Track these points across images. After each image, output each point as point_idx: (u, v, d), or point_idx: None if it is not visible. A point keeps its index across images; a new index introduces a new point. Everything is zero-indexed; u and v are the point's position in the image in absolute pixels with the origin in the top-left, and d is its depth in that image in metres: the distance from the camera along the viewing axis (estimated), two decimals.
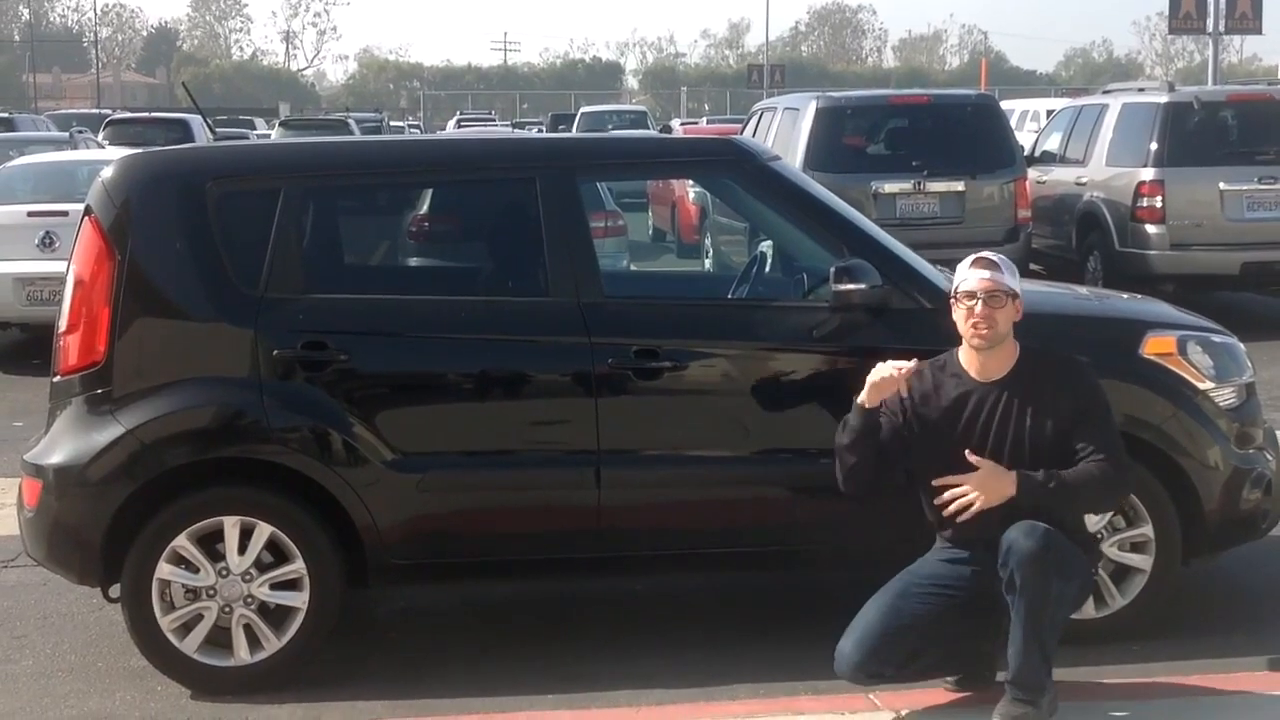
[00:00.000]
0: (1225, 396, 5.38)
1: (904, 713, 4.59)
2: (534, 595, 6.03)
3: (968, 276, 4.61)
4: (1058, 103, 23.17)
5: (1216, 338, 5.53)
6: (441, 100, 79.15)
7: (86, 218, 5.17)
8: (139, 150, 5.93)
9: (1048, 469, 4.48)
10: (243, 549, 4.97)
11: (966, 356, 4.67)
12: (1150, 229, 12.58)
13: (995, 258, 4.66)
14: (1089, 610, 5.18)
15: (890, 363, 4.62)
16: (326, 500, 5.01)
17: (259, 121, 41.54)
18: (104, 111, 37.40)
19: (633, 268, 12.56)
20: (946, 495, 4.51)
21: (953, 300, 4.66)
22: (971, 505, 4.47)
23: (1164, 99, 13.02)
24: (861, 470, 4.68)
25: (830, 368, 5.20)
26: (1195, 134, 12.86)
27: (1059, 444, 4.53)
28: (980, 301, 4.55)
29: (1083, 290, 6.95)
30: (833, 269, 5.13)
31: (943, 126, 13.50)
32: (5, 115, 30.09)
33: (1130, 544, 5.24)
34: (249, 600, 4.98)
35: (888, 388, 4.60)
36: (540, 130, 39.88)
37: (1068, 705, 4.51)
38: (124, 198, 5.14)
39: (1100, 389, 4.68)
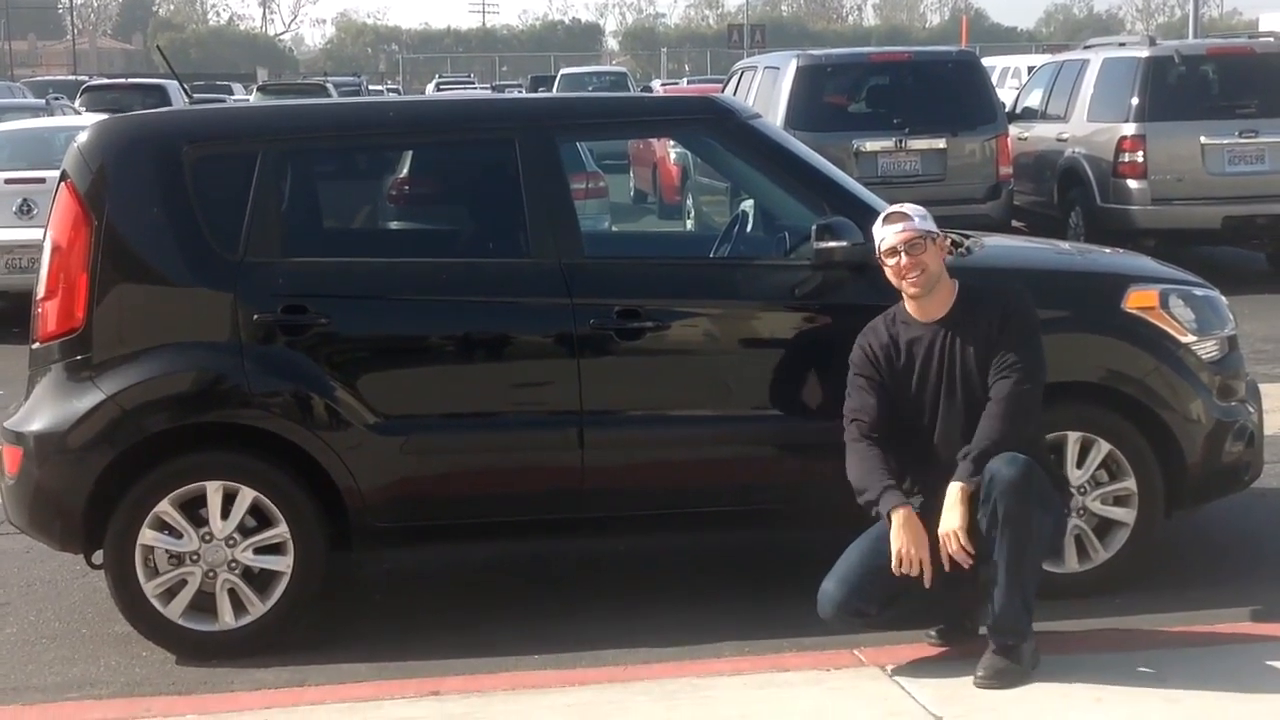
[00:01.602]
0: (1207, 349, 5.39)
1: (889, 668, 4.61)
2: (518, 557, 6.04)
3: (885, 235, 4.71)
4: (1039, 59, 23.13)
5: (1198, 291, 5.54)
6: (420, 64, 78.69)
7: (62, 183, 5.13)
8: (114, 115, 5.87)
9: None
10: (226, 514, 4.96)
11: (909, 305, 4.76)
12: (1132, 184, 12.58)
13: (905, 209, 4.76)
14: (1072, 563, 5.21)
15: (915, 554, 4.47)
16: (309, 464, 5.00)
17: (237, 87, 41.29)
18: (81, 78, 37.13)
19: (614, 228, 12.54)
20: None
21: (879, 260, 4.73)
22: (959, 538, 4.40)
23: (1145, 53, 12.99)
24: None
25: (812, 325, 5.19)
26: (1176, 88, 12.84)
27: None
28: (903, 254, 4.64)
29: (1065, 245, 6.96)
30: (814, 226, 5.13)
31: (924, 84, 13.47)
32: None
33: (1113, 497, 5.25)
34: (233, 565, 4.97)
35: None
36: (520, 93, 39.72)
37: (1049, 658, 4.54)
38: (100, 162, 5.10)
39: (1030, 309, 4.71)
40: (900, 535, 4.45)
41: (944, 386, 4.64)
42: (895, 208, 4.80)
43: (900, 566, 4.45)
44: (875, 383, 4.70)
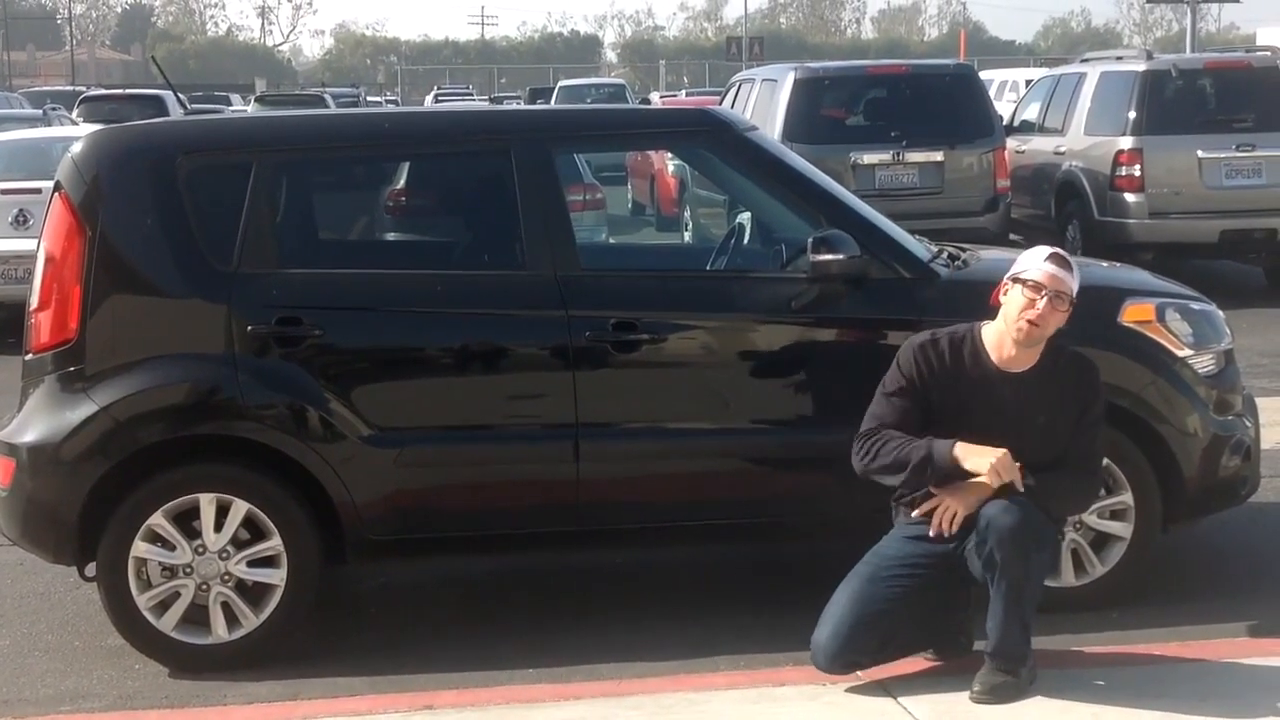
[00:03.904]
0: (1204, 363, 5.38)
1: (885, 683, 4.58)
2: (514, 569, 6.02)
3: (1042, 268, 4.44)
4: (1036, 73, 23.16)
5: (1195, 305, 5.53)
6: (419, 75, 78.78)
7: (56, 194, 5.11)
8: (108, 125, 5.86)
9: (1037, 462, 4.45)
10: (219, 526, 4.93)
11: (994, 340, 4.55)
12: (1129, 197, 12.58)
13: (1069, 257, 4.55)
14: (1069, 578, 5.19)
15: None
16: (303, 477, 4.98)
17: (235, 97, 41.34)
18: (79, 89, 37.18)
19: (611, 240, 12.54)
20: (930, 516, 4.45)
21: (1011, 281, 4.50)
22: (956, 515, 4.42)
23: (1142, 67, 13.00)
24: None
25: (809, 338, 5.18)
26: (1173, 102, 12.84)
27: (1060, 440, 4.51)
28: (1045, 299, 4.41)
29: None
30: (810, 239, 5.11)
31: (921, 97, 13.47)
32: None
33: (1109, 512, 5.23)
34: (226, 578, 4.95)
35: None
36: (518, 105, 39.73)
37: (1047, 673, 4.52)
38: (94, 173, 5.09)
39: (1103, 396, 4.64)
40: (978, 455, 4.34)
41: (993, 437, 4.43)
42: (1065, 254, 4.53)
43: (996, 475, 4.33)
44: (909, 402, 4.51)
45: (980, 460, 4.35)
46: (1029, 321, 4.43)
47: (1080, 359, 4.64)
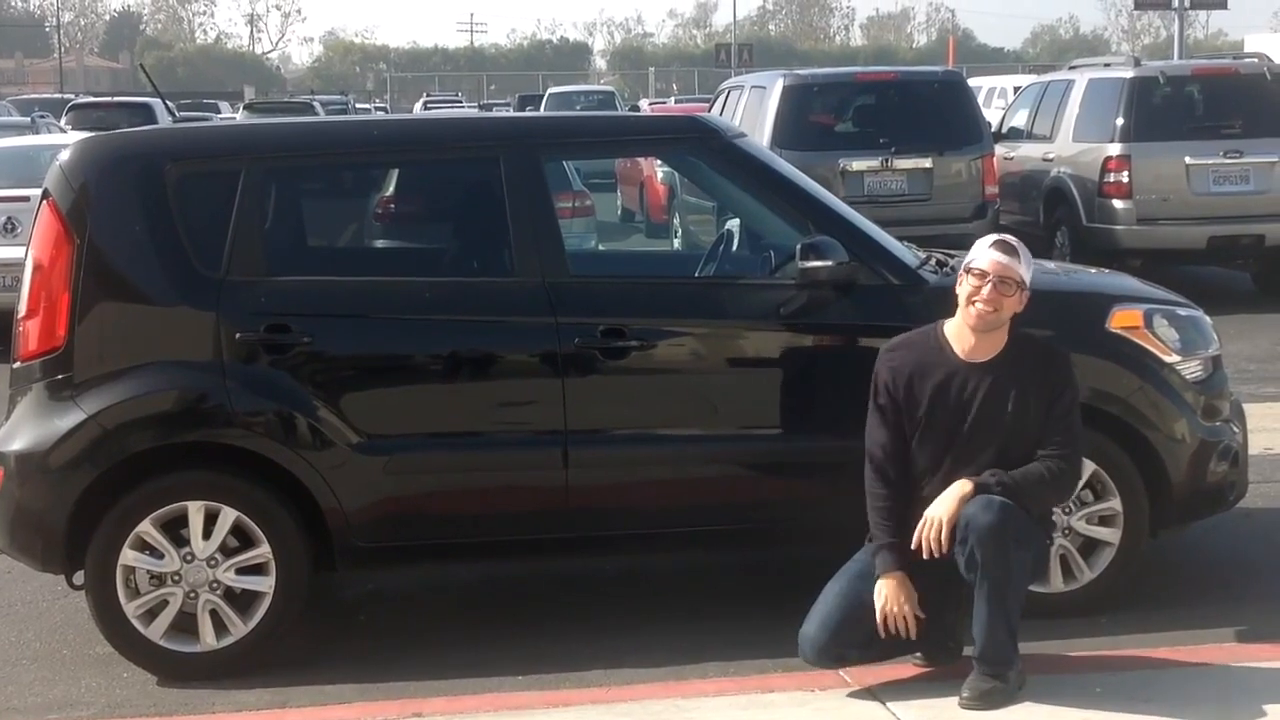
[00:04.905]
0: (1192, 369, 5.40)
1: (874, 689, 4.59)
2: (503, 577, 6.01)
3: (986, 255, 4.53)
4: (1024, 79, 23.20)
5: (1183, 311, 5.54)
6: (408, 82, 78.86)
7: (44, 201, 5.11)
8: (97, 133, 5.86)
9: (1013, 453, 4.49)
10: (207, 534, 4.93)
11: (955, 333, 4.61)
12: (1117, 204, 12.61)
13: (1016, 244, 4.60)
14: (1057, 583, 5.20)
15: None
16: (292, 484, 4.97)
17: (224, 105, 41.28)
18: (67, 96, 37.09)
19: (600, 247, 12.55)
20: (918, 539, 4.44)
21: (963, 271, 4.58)
22: (941, 529, 4.41)
23: (1130, 74, 13.04)
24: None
25: (797, 345, 5.19)
26: (1161, 109, 12.88)
27: (1034, 429, 4.52)
28: (990, 284, 4.48)
29: (1050, 265, 6.95)
30: (799, 246, 5.12)
31: (910, 103, 13.51)
32: None
33: (1098, 517, 5.24)
34: (214, 585, 4.94)
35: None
36: (508, 111, 39.71)
37: (1035, 678, 4.52)
38: (81, 181, 5.08)
39: (1074, 383, 4.66)
40: (888, 599, 4.45)
41: (966, 428, 4.52)
42: (1009, 239, 4.63)
43: (886, 626, 4.45)
44: (891, 411, 4.58)
45: (881, 600, 4.46)
46: (978, 306, 4.50)
47: (1047, 347, 4.68)
